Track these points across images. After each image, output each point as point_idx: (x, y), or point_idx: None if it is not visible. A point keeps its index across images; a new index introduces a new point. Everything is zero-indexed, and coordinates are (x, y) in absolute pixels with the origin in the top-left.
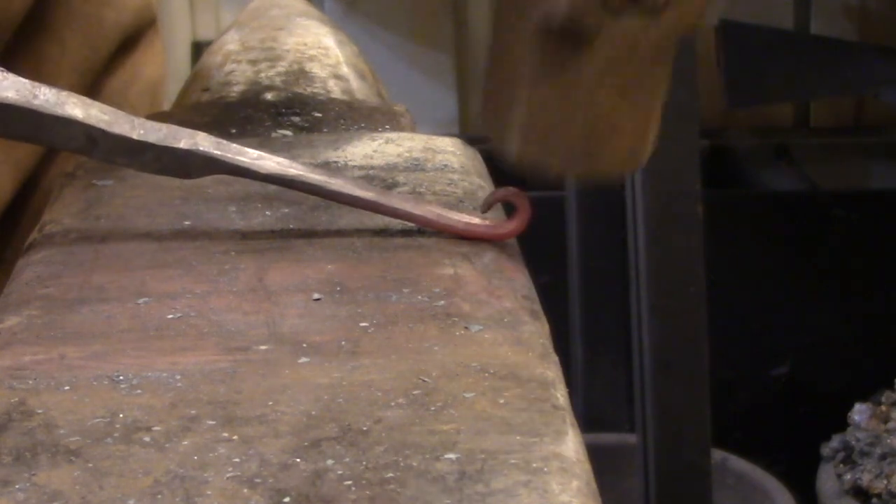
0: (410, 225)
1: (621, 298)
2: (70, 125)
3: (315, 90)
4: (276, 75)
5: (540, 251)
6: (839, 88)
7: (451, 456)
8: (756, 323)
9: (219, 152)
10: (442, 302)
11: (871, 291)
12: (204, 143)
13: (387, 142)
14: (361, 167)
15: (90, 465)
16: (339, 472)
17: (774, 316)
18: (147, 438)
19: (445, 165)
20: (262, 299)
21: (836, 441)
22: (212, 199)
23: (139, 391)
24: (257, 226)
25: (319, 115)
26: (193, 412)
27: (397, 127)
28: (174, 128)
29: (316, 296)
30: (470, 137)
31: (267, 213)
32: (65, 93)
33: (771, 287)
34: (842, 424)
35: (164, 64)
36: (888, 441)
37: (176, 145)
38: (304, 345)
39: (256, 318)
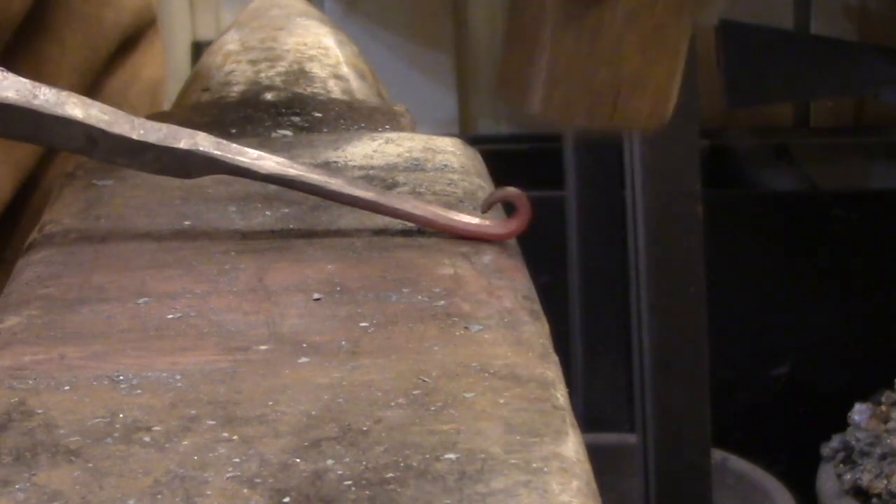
0: (410, 225)
1: (621, 298)
2: (70, 125)
3: (315, 90)
4: (276, 75)
5: (540, 251)
6: (839, 88)
7: (451, 456)
8: (756, 323)
9: (219, 152)
10: (442, 302)
11: (871, 291)
12: (204, 143)
13: (387, 142)
14: (361, 167)
15: (90, 465)
16: (339, 472)
17: (774, 316)
18: (147, 438)
19: (445, 165)
20: (262, 299)
21: (836, 441)
22: (212, 199)
23: (139, 391)
24: (257, 226)
25: (319, 115)
26: (193, 412)
27: (397, 127)
28: (174, 128)
29: (316, 296)
30: (470, 137)
31: (267, 213)
32: (65, 93)
33: (771, 287)
34: (842, 424)
35: (164, 64)
36: (888, 441)
37: (176, 145)
38: (304, 345)
39: (256, 318)
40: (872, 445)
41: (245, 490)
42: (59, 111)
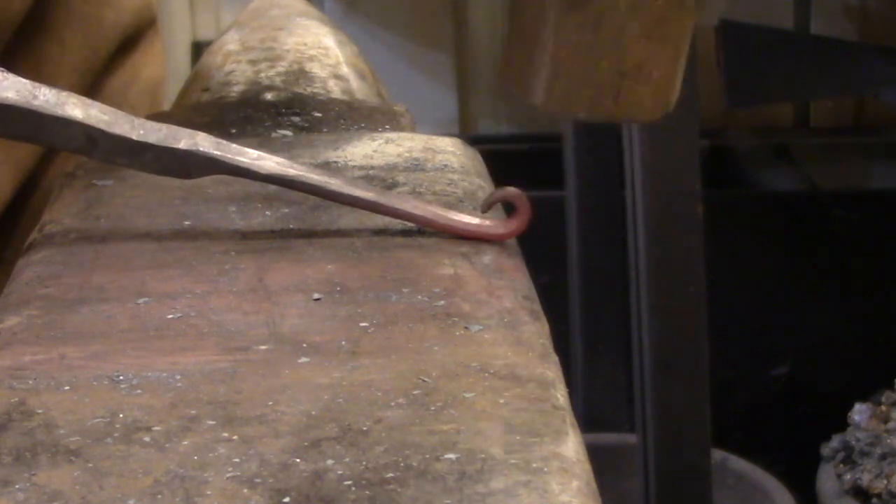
0: (410, 225)
1: (621, 298)
2: (70, 125)
3: (315, 90)
4: (276, 75)
5: (540, 251)
6: (839, 88)
7: (451, 456)
8: (756, 323)
9: (219, 152)
10: (442, 302)
11: (871, 291)
12: (204, 143)
13: (387, 142)
14: (361, 167)
15: (90, 465)
16: (339, 472)
17: (774, 316)
18: (147, 438)
19: (445, 165)
20: (262, 299)
21: (836, 441)
22: (212, 199)
23: (139, 391)
24: (257, 226)
25: (319, 115)
26: (193, 412)
27: (397, 127)
28: (174, 128)
29: (316, 296)
30: (470, 137)
31: (267, 213)
32: (65, 93)
33: (771, 287)
34: (842, 424)
35: (163, 64)
36: (888, 441)
37: (176, 145)
38: (304, 345)
39: (256, 318)
40: (872, 445)
41: (245, 490)
42: (58, 111)
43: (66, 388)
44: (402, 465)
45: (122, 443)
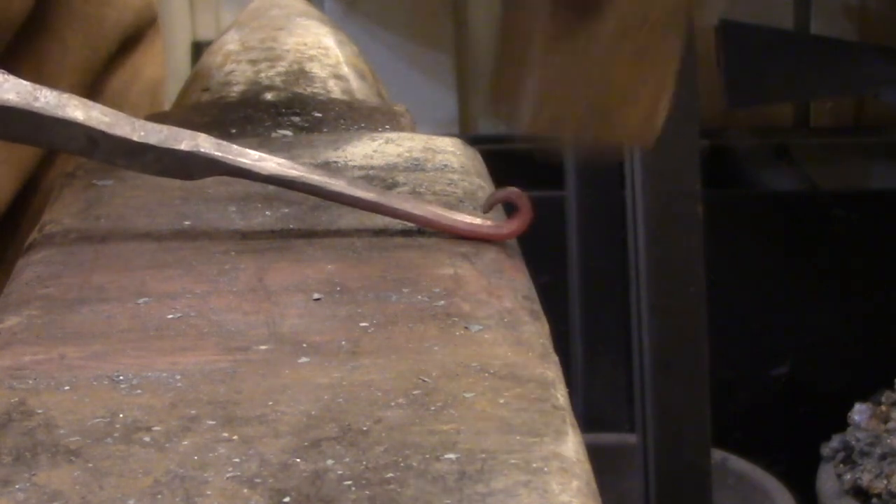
0: (410, 225)
1: (621, 298)
2: (71, 127)
3: (315, 90)
4: (276, 75)
5: (540, 251)
6: (839, 88)
7: (451, 456)
8: (756, 323)
9: (220, 153)
10: (442, 302)
11: (871, 291)
12: (205, 144)
13: (387, 142)
14: (361, 167)
15: (90, 465)
16: (339, 472)
17: (774, 316)
18: (147, 438)
19: (445, 165)
20: (262, 299)
21: (836, 441)
22: (212, 199)
23: (139, 391)
24: (257, 226)
25: (319, 115)
26: (193, 412)
27: (397, 127)
28: (175, 129)
29: (316, 296)
30: (470, 137)
31: (267, 213)
32: (66, 95)
33: (771, 287)
34: (842, 424)
35: (164, 64)
36: (888, 441)
37: (177, 147)
38: (304, 345)
39: (256, 318)
40: (872, 445)
41: (245, 490)
42: (59, 113)
43: (66, 388)
44: (402, 465)
45: (122, 443)
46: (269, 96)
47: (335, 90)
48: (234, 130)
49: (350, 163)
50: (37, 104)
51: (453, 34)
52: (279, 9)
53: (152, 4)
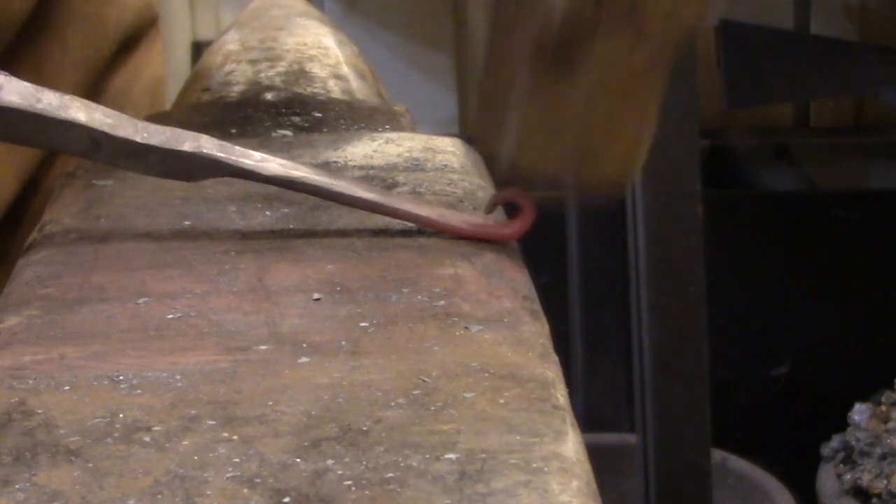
0: (410, 225)
1: (621, 298)
2: (74, 128)
3: (315, 90)
4: (276, 75)
5: (540, 251)
6: (839, 88)
7: (451, 456)
8: (756, 323)
9: (223, 155)
10: (442, 302)
11: (871, 291)
12: (207, 145)
13: (387, 142)
14: (361, 167)
15: (90, 465)
16: (339, 472)
17: (774, 316)
18: (147, 438)
19: (445, 165)
20: (262, 299)
21: (836, 441)
22: (212, 199)
23: (139, 391)
24: (257, 226)
25: (319, 115)
26: (193, 412)
27: (397, 127)
28: (178, 131)
29: (316, 296)
30: (470, 137)
31: (267, 213)
32: (68, 97)
33: (771, 287)
34: (842, 424)
35: (164, 63)
36: (888, 441)
37: (180, 148)
38: (304, 345)
39: (256, 318)
40: (872, 445)
41: (245, 490)
42: (62, 115)
43: (66, 388)
44: (402, 465)
45: (122, 443)
46: (269, 96)
47: (335, 90)
48: (234, 130)
49: (350, 163)
50: (39, 106)
51: (453, 34)
52: (279, 9)
53: (153, 4)
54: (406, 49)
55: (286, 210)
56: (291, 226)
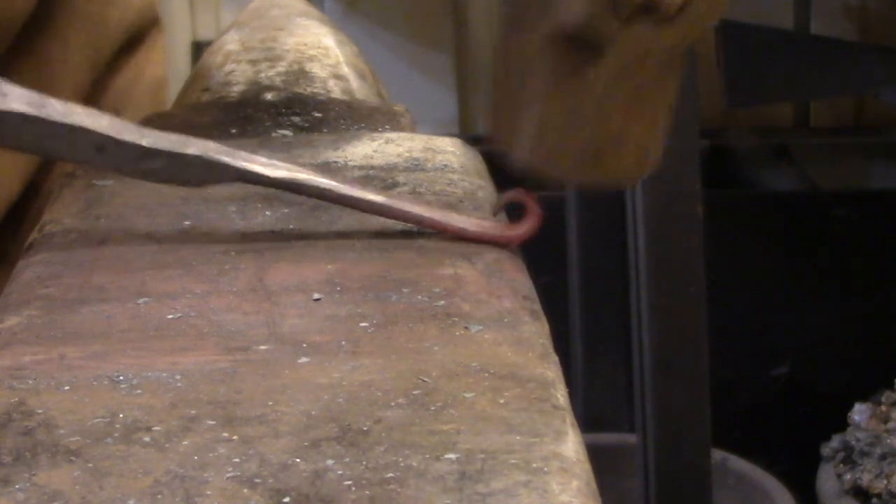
0: (410, 225)
1: (621, 298)
2: (78, 134)
3: (315, 90)
4: (276, 75)
5: (540, 251)
6: (839, 88)
7: (451, 456)
8: (756, 323)
9: (228, 159)
10: (442, 302)
11: (871, 291)
12: (213, 150)
13: (387, 142)
14: (361, 167)
15: (90, 465)
16: (339, 472)
17: (774, 316)
18: (147, 438)
19: (445, 165)
20: (262, 299)
21: (836, 441)
22: (212, 199)
23: (139, 391)
24: (257, 226)
25: (319, 115)
26: (193, 412)
27: (397, 127)
28: (183, 137)
29: (316, 296)
30: (470, 137)
31: (267, 213)
32: (71, 104)
33: (771, 287)
34: (842, 424)
35: (166, 63)
36: (888, 441)
37: (185, 151)
38: (304, 345)
39: (256, 318)
40: (872, 445)
41: (245, 490)
42: (66, 120)
43: (66, 388)
44: (402, 465)
45: (122, 443)
46: (269, 96)
47: (335, 90)
48: (234, 130)
49: (350, 163)
50: (44, 112)
51: (453, 34)
52: (279, 9)
53: (154, 4)
54: (406, 49)
55: (286, 210)
56: (291, 226)
